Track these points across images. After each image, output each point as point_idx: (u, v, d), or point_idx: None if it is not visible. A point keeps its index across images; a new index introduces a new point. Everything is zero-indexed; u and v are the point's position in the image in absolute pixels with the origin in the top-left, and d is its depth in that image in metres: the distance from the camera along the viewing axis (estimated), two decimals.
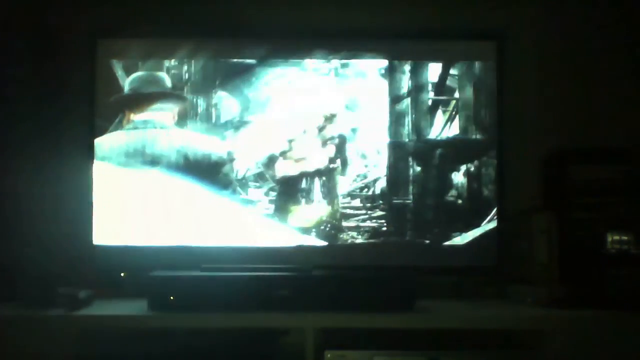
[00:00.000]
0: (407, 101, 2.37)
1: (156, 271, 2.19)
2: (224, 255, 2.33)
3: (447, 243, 2.35)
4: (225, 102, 2.36)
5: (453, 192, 2.36)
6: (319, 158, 2.36)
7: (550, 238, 2.30)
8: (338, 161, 2.36)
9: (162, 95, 2.35)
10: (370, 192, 2.36)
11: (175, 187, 2.35)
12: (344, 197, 2.36)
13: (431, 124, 2.37)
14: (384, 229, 2.36)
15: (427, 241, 2.35)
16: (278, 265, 2.27)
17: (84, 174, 2.35)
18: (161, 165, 2.35)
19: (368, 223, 2.36)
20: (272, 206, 2.35)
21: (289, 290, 2.16)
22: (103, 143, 2.35)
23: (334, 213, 2.35)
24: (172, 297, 2.13)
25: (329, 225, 2.35)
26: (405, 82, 2.37)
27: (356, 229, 2.35)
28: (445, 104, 2.38)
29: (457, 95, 2.38)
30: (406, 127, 2.36)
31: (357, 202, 2.36)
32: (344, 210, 2.36)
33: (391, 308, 2.13)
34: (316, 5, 2.48)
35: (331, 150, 2.36)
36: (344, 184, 2.36)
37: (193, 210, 2.35)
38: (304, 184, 2.35)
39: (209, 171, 2.35)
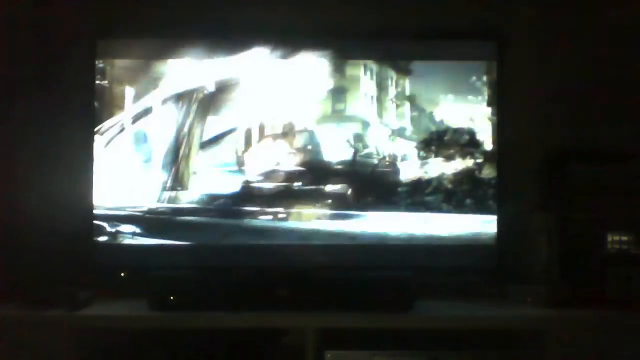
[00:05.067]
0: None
1: (156, 271, 2.19)
2: (224, 255, 2.33)
3: (447, 243, 2.34)
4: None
5: (452, 192, 2.35)
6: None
7: (550, 238, 2.30)
8: None
9: None
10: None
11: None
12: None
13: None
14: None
15: (427, 241, 2.34)
16: (278, 265, 2.27)
17: (85, 174, 2.34)
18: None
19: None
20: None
21: (289, 290, 2.16)
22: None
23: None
24: (172, 297, 2.13)
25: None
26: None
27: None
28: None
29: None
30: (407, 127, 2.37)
31: None
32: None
33: (391, 308, 2.13)
34: (313, 3, 2.49)
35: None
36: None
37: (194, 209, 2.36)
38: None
39: None
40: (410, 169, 2.36)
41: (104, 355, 2.19)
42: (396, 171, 2.36)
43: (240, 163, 2.36)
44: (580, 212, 2.31)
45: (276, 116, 2.36)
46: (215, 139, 2.36)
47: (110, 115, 2.35)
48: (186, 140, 2.36)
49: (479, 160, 2.36)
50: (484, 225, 2.33)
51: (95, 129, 2.33)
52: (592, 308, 2.17)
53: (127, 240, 2.33)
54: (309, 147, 2.35)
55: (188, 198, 2.35)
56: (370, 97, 2.38)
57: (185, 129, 2.37)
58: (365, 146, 2.36)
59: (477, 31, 2.45)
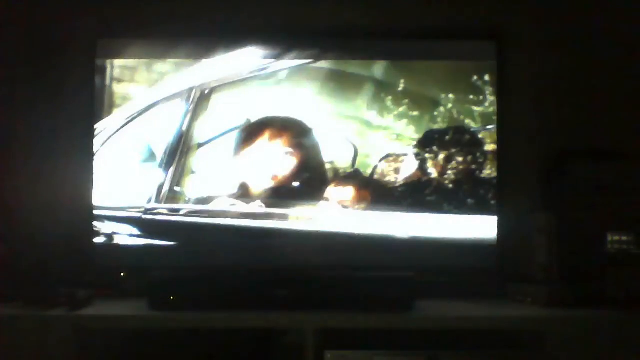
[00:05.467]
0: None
1: (156, 271, 2.19)
2: (224, 255, 2.33)
3: (446, 243, 2.34)
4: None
5: (453, 192, 2.35)
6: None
7: (550, 238, 2.30)
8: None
9: None
10: None
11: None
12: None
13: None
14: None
15: (427, 240, 2.34)
16: (278, 265, 2.27)
17: (84, 174, 2.34)
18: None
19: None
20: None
21: (289, 290, 2.16)
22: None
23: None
24: (172, 297, 2.13)
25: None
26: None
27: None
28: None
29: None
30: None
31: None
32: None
33: (391, 308, 2.13)
34: (313, 3, 2.49)
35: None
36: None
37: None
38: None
39: None
40: (410, 169, 2.36)
41: (104, 355, 2.19)
42: (396, 171, 2.36)
43: (239, 163, 2.36)
44: (580, 212, 2.31)
45: (276, 116, 2.36)
46: (215, 139, 2.36)
47: (110, 115, 2.35)
48: (185, 139, 2.36)
49: (479, 160, 2.36)
50: (484, 225, 2.33)
51: (95, 129, 2.34)
52: (592, 308, 2.18)
53: (127, 240, 2.33)
54: (309, 146, 2.35)
55: (187, 198, 2.35)
56: (370, 96, 2.38)
57: (185, 129, 2.37)
58: (365, 146, 2.36)
59: (477, 31, 2.45)
